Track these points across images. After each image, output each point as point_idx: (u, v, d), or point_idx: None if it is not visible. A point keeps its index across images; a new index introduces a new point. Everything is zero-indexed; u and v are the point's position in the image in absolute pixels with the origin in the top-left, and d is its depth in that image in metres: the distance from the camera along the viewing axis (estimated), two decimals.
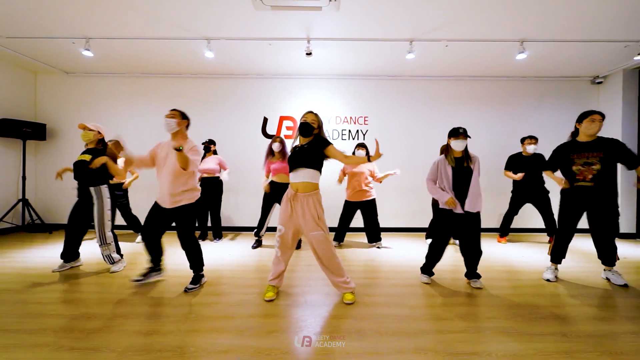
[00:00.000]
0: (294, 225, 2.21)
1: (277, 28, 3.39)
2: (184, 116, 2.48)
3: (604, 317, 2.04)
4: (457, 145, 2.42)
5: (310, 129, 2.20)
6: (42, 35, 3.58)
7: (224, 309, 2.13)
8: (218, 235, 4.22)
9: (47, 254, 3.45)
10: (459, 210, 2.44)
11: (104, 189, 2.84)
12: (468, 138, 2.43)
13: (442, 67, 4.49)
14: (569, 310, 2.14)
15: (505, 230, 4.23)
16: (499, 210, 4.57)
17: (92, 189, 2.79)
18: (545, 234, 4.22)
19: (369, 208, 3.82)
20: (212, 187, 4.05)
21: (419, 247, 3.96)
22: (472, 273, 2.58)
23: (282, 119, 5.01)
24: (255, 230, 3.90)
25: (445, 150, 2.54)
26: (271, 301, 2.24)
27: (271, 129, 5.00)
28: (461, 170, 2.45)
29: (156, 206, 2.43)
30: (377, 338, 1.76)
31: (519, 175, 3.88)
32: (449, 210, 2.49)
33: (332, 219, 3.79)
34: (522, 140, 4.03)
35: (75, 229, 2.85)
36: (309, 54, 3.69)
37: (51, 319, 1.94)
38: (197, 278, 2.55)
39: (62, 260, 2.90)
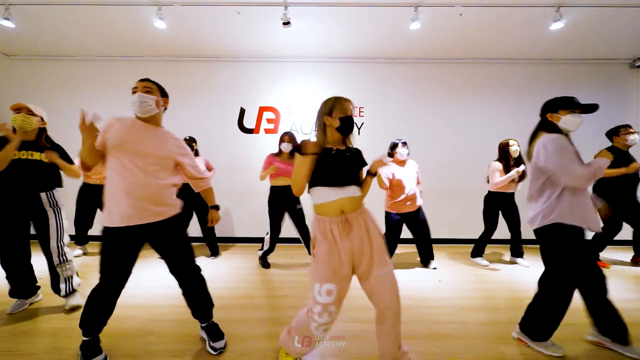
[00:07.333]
0: (348, 275, 1.35)
1: None
2: (163, 92, 1.66)
3: None
4: (573, 124, 1.67)
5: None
6: None
7: None
8: (215, 252, 3.53)
9: None
10: None
11: (57, 194, 2.13)
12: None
13: (452, 46, 3.71)
14: None
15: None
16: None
17: (43, 195, 2.03)
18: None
19: (420, 218, 3.05)
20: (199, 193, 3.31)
21: (455, 269, 3.12)
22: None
23: (261, 110, 4.23)
24: (265, 251, 3.14)
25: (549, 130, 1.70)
26: None
27: (249, 122, 4.23)
28: None
29: (119, 233, 1.46)
30: None
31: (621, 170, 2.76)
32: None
33: None
34: (616, 132, 2.95)
35: (25, 253, 2.09)
36: (286, 23, 2.91)
37: None
38: (216, 327, 1.76)
39: (15, 299, 2.13)
